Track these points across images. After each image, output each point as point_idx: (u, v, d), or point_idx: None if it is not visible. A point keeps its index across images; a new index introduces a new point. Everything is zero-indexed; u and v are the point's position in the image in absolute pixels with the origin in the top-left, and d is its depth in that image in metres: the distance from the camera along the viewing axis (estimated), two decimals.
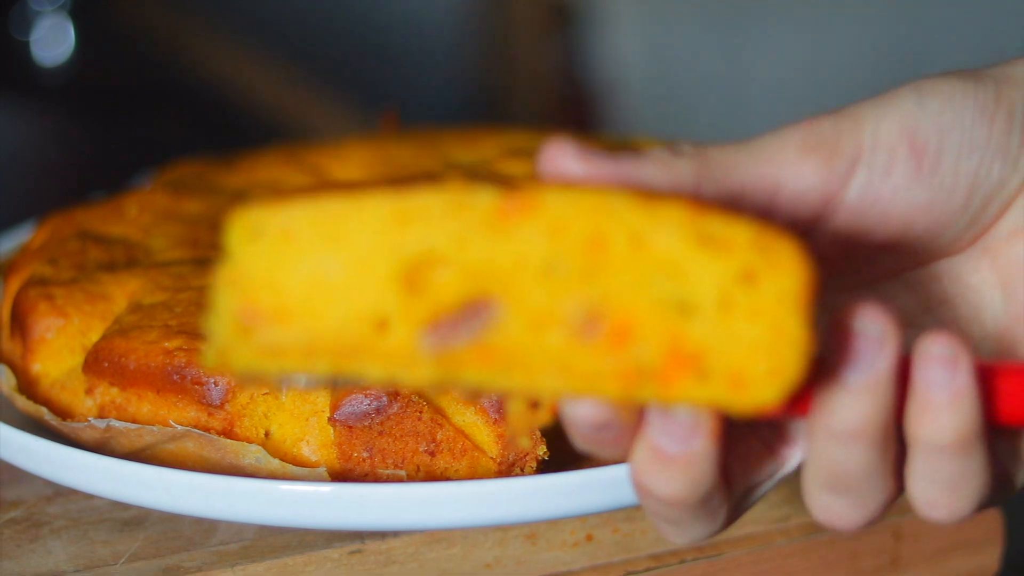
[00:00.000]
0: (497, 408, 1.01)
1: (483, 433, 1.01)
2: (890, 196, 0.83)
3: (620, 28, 2.56)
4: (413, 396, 1.01)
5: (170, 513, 1.04)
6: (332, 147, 1.37)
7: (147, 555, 1.02)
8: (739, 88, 2.44)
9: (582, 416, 0.80)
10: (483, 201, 0.79)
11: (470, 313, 0.80)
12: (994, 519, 1.15)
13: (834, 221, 0.84)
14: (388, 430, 1.01)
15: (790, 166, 0.82)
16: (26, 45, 2.52)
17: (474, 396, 0.88)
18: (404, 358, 0.80)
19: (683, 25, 2.49)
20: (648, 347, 0.79)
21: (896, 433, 0.80)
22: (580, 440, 0.82)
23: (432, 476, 1.01)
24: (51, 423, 1.07)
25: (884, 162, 0.82)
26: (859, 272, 0.88)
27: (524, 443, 0.97)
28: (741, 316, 0.79)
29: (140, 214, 1.24)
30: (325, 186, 0.81)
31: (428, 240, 0.80)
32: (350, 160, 1.35)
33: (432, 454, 1.01)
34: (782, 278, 0.78)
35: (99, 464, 1.01)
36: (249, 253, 0.81)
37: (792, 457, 0.86)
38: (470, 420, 1.01)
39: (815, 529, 1.11)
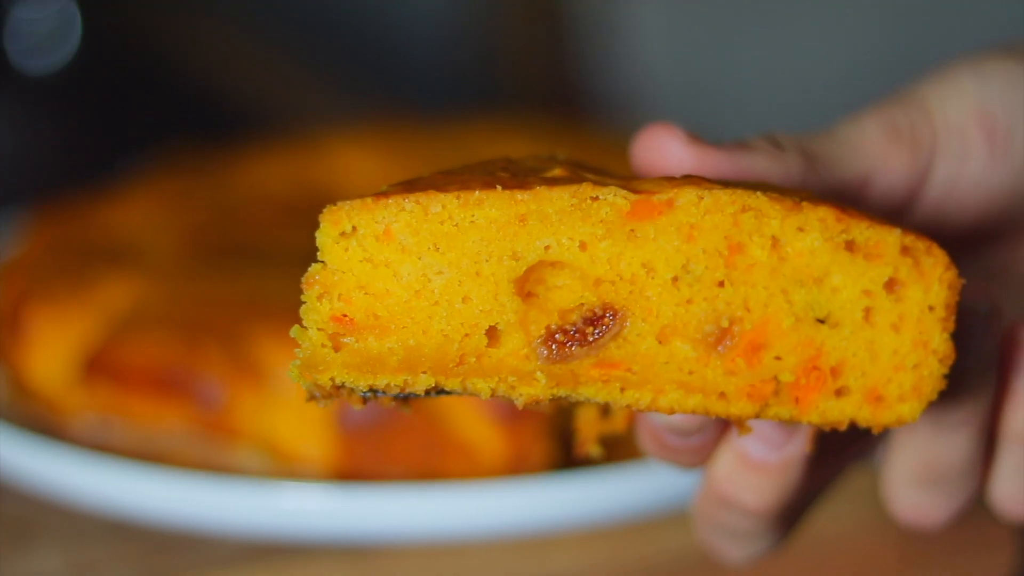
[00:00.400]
0: (504, 410, 1.01)
1: (489, 435, 1.01)
2: (969, 183, 0.81)
3: (643, 33, 2.56)
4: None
5: (168, 515, 1.04)
6: (341, 138, 1.37)
7: (145, 558, 1.02)
8: (764, 89, 2.43)
9: (675, 422, 0.76)
10: (611, 202, 0.74)
11: (591, 323, 0.75)
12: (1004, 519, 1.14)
13: (914, 214, 0.83)
14: (394, 432, 1.01)
15: (880, 160, 0.81)
16: (31, 36, 2.53)
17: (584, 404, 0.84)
18: (516, 371, 0.75)
19: (707, 28, 2.49)
20: (784, 361, 0.75)
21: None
22: (656, 447, 0.78)
23: (438, 478, 1.01)
24: (51, 422, 1.07)
25: (959, 147, 0.81)
26: None
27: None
28: (884, 328, 0.75)
29: (145, 213, 1.25)
30: (423, 181, 0.77)
31: (548, 243, 0.75)
32: (360, 151, 1.35)
33: (438, 456, 1.01)
34: (930, 289, 0.74)
35: (98, 466, 1.01)
36: (342, 255, 0.75)
37: (872, 457, 0.84)
38: (476, 422, 1.01)
39: (825, 529, 1.10)
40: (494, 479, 0.99)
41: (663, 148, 0.77)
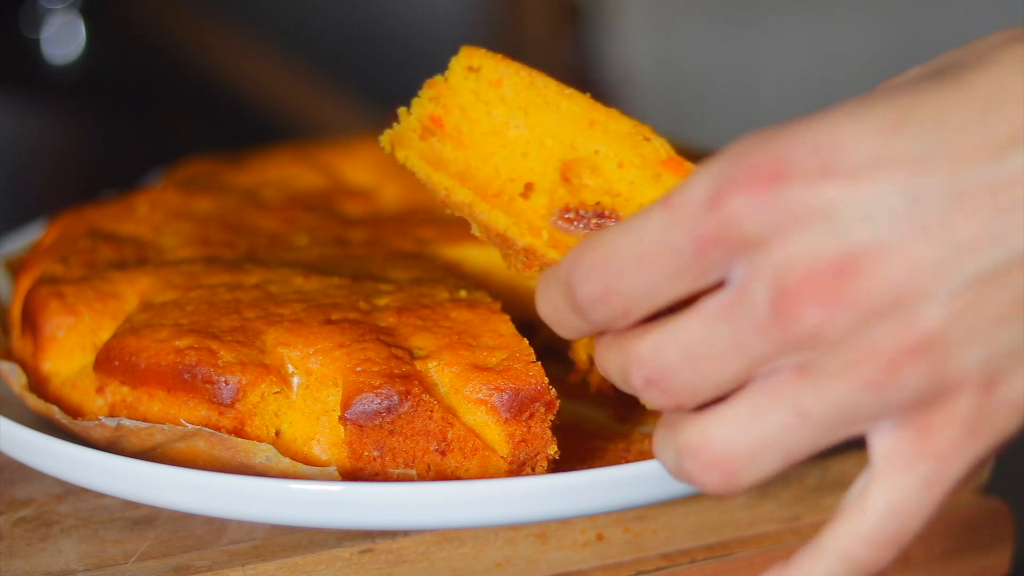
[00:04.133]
0: (508, 407, 1.01)
1: (494, 432, 1.01)
2: None
3: (630, 25, 2.56)
4: (424, 395, 1.01)
5: (180, 512, 1.04)
6: (343, 145, 1.37)
7: (157, 554, 1.02)
8: (749, 85, 2.43)
9: None
10: (656, 146, 0.93)
11: (598, 216, 0.93)
12: (1005, 520, 1.14)
13: None
14: (399, 429, 1.01)
15: None
16: (36, 43, 2.53)
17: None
18: (530, 223, 0.94)
19: (692, 22, 2.49)
20: None
21: None
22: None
23: (443, 475, 1.01)
24: (62, 422, 1.07)
25: None
26: None
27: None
28: None
29: (151, 212, 1.25)
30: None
31: (600, 150, 0.94)
32: (361, 158, 1.35)
33: (443, 453, 1.01)
34: None
35: (110, 463, 1.01)
36: (461, 80, 0.95)
37: None
38: (481, 419, 1.01)
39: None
40: (504, 478, 0.99)
41: None
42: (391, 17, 3.02)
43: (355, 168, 1.34)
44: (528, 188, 0.96)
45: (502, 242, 0.99)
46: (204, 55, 2.71)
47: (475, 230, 1.02)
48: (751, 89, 2.42)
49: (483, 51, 0.96)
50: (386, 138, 0.97)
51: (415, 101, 0.96)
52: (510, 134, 0.95)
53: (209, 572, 1.00)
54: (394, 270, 1.15)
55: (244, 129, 2.40)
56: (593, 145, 0.94)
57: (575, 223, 0.94)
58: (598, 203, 0.94)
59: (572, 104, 0.95)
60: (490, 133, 0.96)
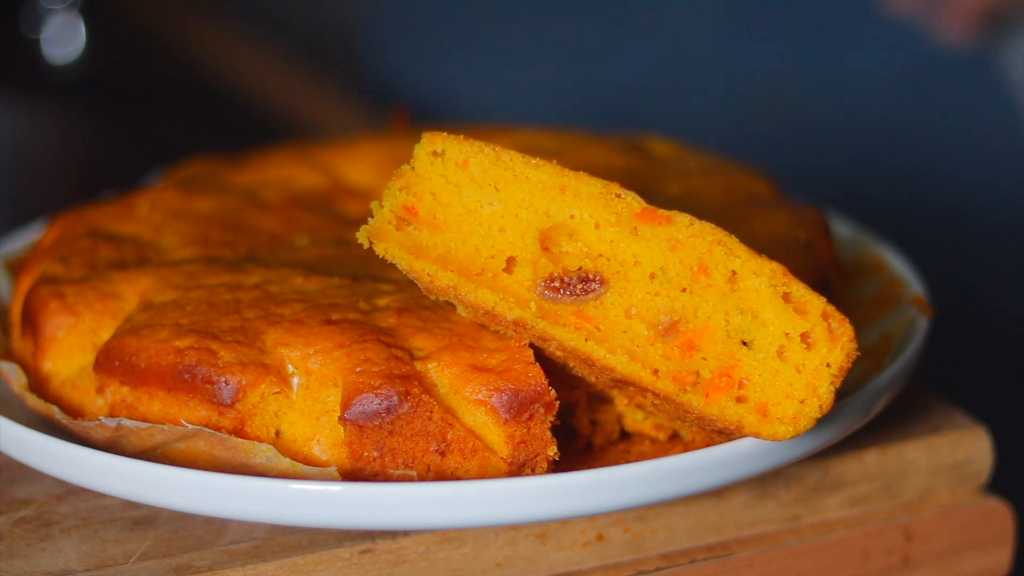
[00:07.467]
0: (508, 408, 1.01)
1: (493, 433, 1.01)
2: None
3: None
4: (424, 396, 1.01)
5: (181, 512, 1.05)
6: (343, 146, 1.37)
7: (158, 554, 1.02)
8: (748, 85, 2.44)
9: None
10: (628, 202, 0.95)
11: (583, 282, 0.96)
12: (1005, 519, 1.15)
13: None
14: (398, 430, 1.01)
15: None
16: (36, 43, 2.53)
17: (548, 346, 1.01)
18: (516, 296, 0.96)
19: (693, 23, 2.49)
20: (708, 362, 0.94)
21: None
22: None
23: (442, 476, 1.01)
24: (62, 422, 1.07)
25: None
26: None
27: None
28: (790, 366, 0.94)
29: (151, 213, 1.25)
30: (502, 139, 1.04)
31: (575, 214, 0.95)
32: (361, 158, 1.35)
33: (442, 454, 1.01)
34: (834, 351, 0.94)
35: (110, 463, 1.01)
36: (428, 166, 0.97)
37: None
38: (480, 420, 1.01)
39: (825, 529, 1.11)
40: (503, 479, 0.99)
41: None
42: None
43: (355, 168, 1.34)
44: (510, 262, 0.97)
45: (491, 319, 1.00)
46: (204, 55, 2.71)
47: (461, 311, 1.03)
48: (750, 89, 2.42)
49: (445, 134, 0.97)
50: (363, 233, 0.98)
51: (386, 193, 0.97)
52: (484, 211, 0.97)
53: (209, 572, 1.00)
54: (394, 270, 1.15)
55: (244, 129, 2.40)
56: (567, 210, 0.95)
57: (562, 291, 0.96)
58: (580, 268, 0.96)
59: (540, 173, 0.96)
60: (464, 213, 0.97)
